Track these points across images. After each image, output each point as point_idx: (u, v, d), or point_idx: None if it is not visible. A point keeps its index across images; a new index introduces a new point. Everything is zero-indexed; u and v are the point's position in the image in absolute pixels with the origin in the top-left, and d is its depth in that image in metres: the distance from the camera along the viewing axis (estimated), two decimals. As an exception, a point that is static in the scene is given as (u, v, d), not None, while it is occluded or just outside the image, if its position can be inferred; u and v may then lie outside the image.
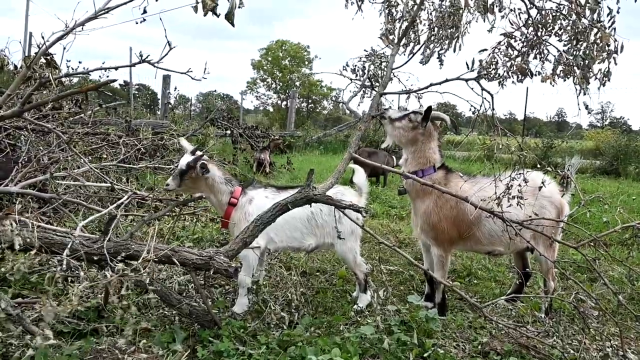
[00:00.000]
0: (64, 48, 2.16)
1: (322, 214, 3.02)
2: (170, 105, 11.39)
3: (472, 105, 2.88)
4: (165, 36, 2.19)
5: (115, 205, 2.25)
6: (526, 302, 3.34)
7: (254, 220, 2.55)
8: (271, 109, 34.67)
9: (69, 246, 1.89)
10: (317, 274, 3.81)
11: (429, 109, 2.90)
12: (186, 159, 2.84)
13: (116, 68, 2.31)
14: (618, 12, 2.73)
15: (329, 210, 2.98)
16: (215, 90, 35.15)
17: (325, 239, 3.08)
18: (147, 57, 2.14)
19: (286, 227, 3.00)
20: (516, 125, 20.65)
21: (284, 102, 32.63)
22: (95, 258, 2.03)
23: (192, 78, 2.40)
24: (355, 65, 3.49)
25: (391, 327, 2.65)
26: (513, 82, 3.01)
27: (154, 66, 2.17)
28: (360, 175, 3.21)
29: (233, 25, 2.74)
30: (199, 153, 2.88)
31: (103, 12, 2.54)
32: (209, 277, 3.35)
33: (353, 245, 3.13)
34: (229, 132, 9.26)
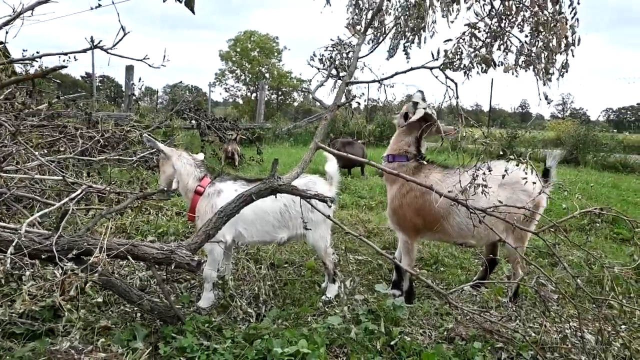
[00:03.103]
0: (7, 33, 2.01)
1: (294, 205, 2.95)
2: (134, 97, 10.96)
3: (433, 95, 2.90)
4: (119, 21, 2.08)
5: (68, 198, 2.13)
6: (490, 287, 3.41)
7: (217, 212, 2.49)
8: (241, 101, 34.12)
9: (14, 243, 1.78)
10: (286, 265, 3.77)
11: (407, 115, 3.05)
12: None
13: (65, 53, 2.17)
14: (579, 2, 2.78)
15: (302, 201, 2.94)
16: (182, 82, 34.25)
17: (297, 230, 3.03)
18: (99, 43, 2.02)
19: (257, 222, 2.94)
20: (482, 117, 21.13)
21: (254, 94, 32.19)
22: (44, 256, 1.91)
23: (150, 65, 2.30)
24: (323, 55, 3.45)
25: (359, 317, 2.65)
26: (478, 72, 3.03)
27: (107, 52, 2.06)
28: (332, 165, 3.18)
29: (193, 12, 2.65)
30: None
31: (53, -5, 2.40)
32: (173, 272, 3.26)
33: (324, 233, 3.10)
34: (195, 123, 9.04)
